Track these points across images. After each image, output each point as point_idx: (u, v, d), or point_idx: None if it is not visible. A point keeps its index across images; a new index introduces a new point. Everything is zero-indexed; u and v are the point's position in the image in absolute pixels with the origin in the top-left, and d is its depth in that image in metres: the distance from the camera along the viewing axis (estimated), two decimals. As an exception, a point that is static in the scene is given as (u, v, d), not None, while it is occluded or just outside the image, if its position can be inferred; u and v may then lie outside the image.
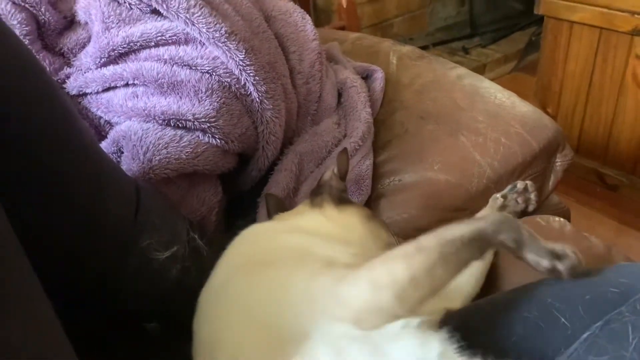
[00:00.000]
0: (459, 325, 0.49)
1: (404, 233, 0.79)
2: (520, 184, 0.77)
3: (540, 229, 0.78)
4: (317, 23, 2.29)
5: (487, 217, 0.49)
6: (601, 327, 0.48)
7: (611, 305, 0.50)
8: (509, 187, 0.78)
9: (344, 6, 1.95)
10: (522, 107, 0.95)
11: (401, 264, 0.44)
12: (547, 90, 1.72)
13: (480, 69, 2.40)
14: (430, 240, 0.46)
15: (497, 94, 0.97)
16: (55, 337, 0.41)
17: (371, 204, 0.86)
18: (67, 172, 0.54)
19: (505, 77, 2.42)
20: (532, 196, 0.77)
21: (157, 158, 0.68)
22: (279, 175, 0.83)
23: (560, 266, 0.49)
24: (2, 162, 0.46)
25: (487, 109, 0.94)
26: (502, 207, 0.75)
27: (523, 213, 0.76)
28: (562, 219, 0.79)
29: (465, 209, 0.83)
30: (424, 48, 2.48)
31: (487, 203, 0.78)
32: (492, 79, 2.55)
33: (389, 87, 1.00)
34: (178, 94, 0.72)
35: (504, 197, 0.76)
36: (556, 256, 0.49)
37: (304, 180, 0.84)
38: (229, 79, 0.74)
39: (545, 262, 0.49)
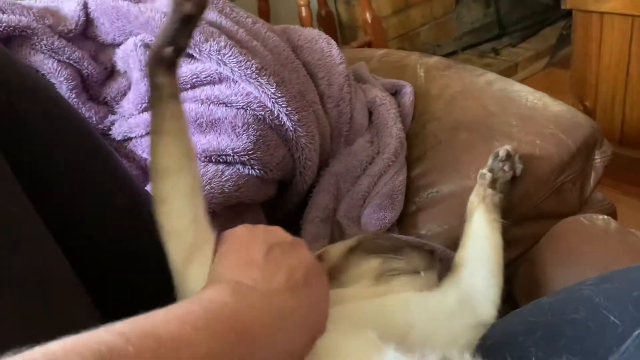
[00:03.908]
0: (504, 338, 0.49)
1: (447, 244, 0.80)
2: (501, 152, 0.76)
3: (584, 228, 0.77)
4: (343, 40, 2.31)
5: None
6: (651, 323, 0.48)
7: (661, 299, 0.49)
8: (491, 158, 0.76)
9: (369, 21, 1.96)
10: (555, 107, 0.95)
11: None
12: (582, 84, 1.69)
13: (512, 69, 2.38)
14: None
15: (528, 96, 0.96)
16: (63, 277, 0.47)
17: (410, 218, 0.87)
18: (104, 211, 0.58)
19: (538, 75, 2.38)
20: (516, 158, 0.76)
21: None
22: (317, 197, 0.86)
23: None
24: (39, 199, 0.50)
25: (520, 112, 0.93)
26: (493, 181, 0.73)
27: (513, 178, 0.75)
28: (606, 217, 0.78)
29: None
30: (453, 53, 2.47)
31: (525, 207, 0.77)
32: (525, 78, 2.49)
33: (418, 100, 1.01)
34: (217, 131, 0.76)
35: (491, 170, 0.74)
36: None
37: (342, 199, 0.87)
38: (263, 112, 0.78)
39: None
